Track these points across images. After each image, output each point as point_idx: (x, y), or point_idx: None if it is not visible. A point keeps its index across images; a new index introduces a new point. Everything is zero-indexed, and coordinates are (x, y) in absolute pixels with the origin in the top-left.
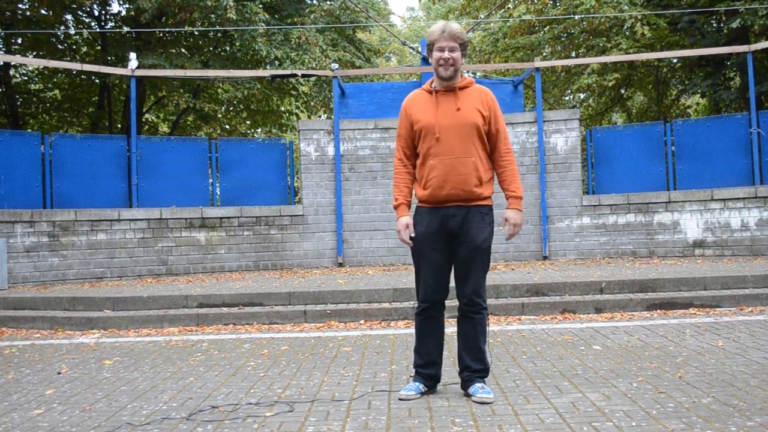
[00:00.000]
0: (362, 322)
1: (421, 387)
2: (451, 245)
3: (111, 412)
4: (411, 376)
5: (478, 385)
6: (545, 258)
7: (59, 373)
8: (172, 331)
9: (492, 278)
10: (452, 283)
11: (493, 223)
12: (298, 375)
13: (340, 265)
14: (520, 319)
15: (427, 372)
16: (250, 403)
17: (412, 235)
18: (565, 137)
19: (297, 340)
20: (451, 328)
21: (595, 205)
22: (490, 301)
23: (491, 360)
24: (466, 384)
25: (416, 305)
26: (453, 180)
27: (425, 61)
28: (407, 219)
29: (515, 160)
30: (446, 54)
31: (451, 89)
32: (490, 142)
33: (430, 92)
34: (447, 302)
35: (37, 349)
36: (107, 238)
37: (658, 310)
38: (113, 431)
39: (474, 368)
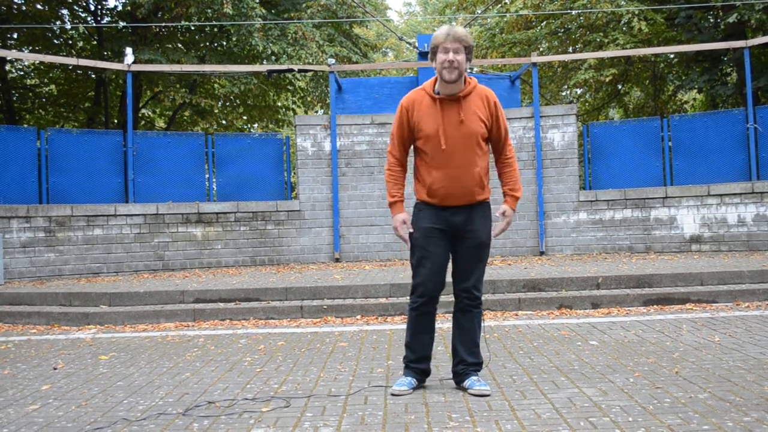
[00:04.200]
0: (359, 317)
1: (414, 382)
2: (453, 240)
3: (107, 408)
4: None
5: (474, 378)
6: (542, 253)
7: (55, 369)
8: (168, 327)
9: (489, 273)
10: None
11: (491, 216)
12: (294, 370)
13: (337, 260)
14: (516, 315)
15: (420, 367)
16: (247, 399)
17: (410, 230)
18: (562, 132)
19: (293, 336)
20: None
21: (591, 201)
22: (486, 297)
23: (488, 355)
24: (460, 377)
25: (411, 300)
26: (458, 191)
27: (422, 56)
28: (404, 215)
29: (516, 161)
30: (450, 56)
31: (455, 99)
32: (493, 143)
33: (434, 99)
34: (441, 297)
35: (33, 344)
36: (103, 233)
37: (655, 306)
38: (109, 426)
39: (469, 362)
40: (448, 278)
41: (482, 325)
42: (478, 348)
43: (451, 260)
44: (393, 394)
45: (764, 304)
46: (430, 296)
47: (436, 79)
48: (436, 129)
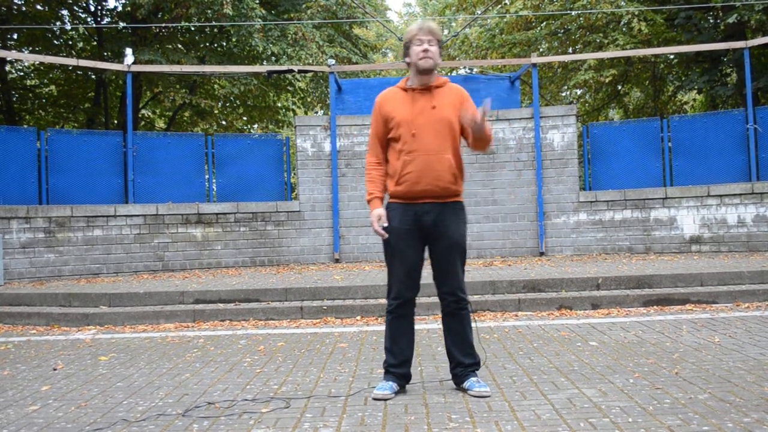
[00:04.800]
0: (359, 318)
1: (395, 386)
2: (426, 242)
3: (107, 408)
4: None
5: (474, 379)
6: (542, 254)
7: (55, 369)
8: (168, 327)
9: (489, 274)
10: (425, 280)
11: (466, 219)
12: (294, 371)
13: (337, 261)
14: (516, 315)
15: (401, 371)
16: (246, 399)
17: (385, 224)
18: (561, 133)
19: (293, 336)
20: (423, 325)
21: (591, 201)
22: (486, 297)
23: (485, 355)
24: (459, 379)
25: (387, 303)
26: (429, 176)
27: None
28: (381, 210)
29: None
30: (425, 45)
31: (427, 88)
32: (466, 133)
33: (405, 90)
34: (431, 300)
35: (33, 345)
36: (103, 234)
37: (655, 306)
38: (109, 427)
39: (466, 363)
40: (426, 281)
41: (473, 324)
42: (473, 348)
43: (430, 265)
44: (375, 399)
45: (764, 304)
46: (405, 299)
47: (408, 78)
48: (406, 116)
